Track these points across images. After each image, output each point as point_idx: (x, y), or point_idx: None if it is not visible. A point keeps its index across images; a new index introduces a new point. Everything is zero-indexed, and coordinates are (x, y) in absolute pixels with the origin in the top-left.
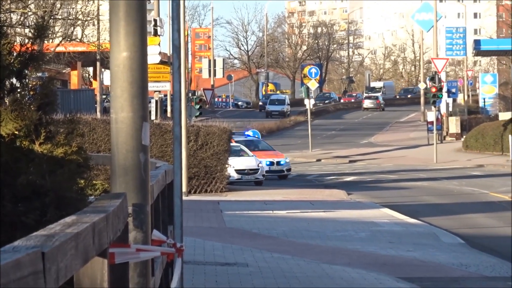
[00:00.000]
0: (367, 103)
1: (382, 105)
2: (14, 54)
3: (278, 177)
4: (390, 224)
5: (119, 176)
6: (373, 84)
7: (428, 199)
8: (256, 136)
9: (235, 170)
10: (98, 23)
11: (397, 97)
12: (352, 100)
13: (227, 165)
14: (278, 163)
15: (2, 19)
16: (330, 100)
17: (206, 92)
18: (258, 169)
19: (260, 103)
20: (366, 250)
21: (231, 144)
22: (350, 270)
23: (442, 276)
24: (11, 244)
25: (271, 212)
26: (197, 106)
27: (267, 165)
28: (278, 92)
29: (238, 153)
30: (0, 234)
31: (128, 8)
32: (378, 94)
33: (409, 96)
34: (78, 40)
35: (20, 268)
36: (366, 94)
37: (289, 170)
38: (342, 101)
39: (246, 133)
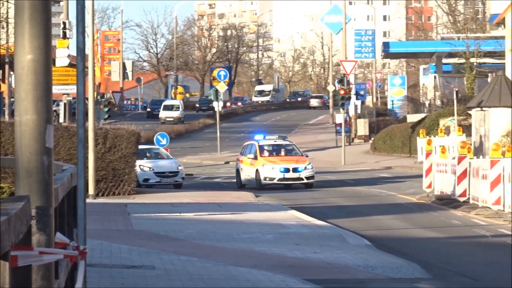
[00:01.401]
0: (313, 102)
1: (327, 104)
2: None
3: (305, 185)
4: (297, 226)
5: (22, 179)
6: (262, 87)
7: (335, 201)
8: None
9: (155, 173)
10: (7, 26)
11: (287, 100)
12: (239, 104)
13: (139, 167)
14: (295, 169)
15: None
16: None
17: (115, 95)
18: (178, 171)
19: (148, 109)
20: (273, 252)
21: (150, 146)
22: (256, 272)
23: (348, 278)
24: None
25: (179, 214)
26: (106, 109)
27: (281, 172)
28: (187, 95)
29: (157, 155)
30: None
31: (33, 11)
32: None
33: (299, 99)
34: None
35: None
36: (255, 97)
37: (310, 177)
38: (227, 105)
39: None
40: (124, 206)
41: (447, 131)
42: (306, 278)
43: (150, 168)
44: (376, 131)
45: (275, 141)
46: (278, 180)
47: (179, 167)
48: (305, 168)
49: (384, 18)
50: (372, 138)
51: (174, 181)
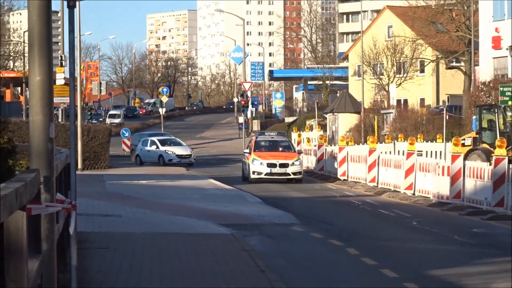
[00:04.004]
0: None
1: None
2: None
3: (287, 180)
4: (214, 190)
5: (34, 158)
6: (151, 100)
7: (238, 173)
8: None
9: (176, 155)
10: (24, 58)
11: (187, 108)
12: (144, 111)
13: (165, 151)
14: (282, 165)
15: None
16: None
17: (94, 104)
18: (191, 154)
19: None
20: (198, 206)
21: (169, 137)
22: (188, 219)
23: (248, 223)
24: None
25: (137, 181)
26: (89, 113)
27: (268, 167)
28: (142, 103)
29: (174, 143)
30: None
31: (40, 48)
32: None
33: (194, 108)
34: (11, 69)
35: None
36: (149, 107)
37: (297, 173)
38: (140, 112)
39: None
40: (101, 176)
41: (311, 128)
42: (220, 223)
43: (172, 152)
44: (265, 128)
45: (272, 137)
46: (265, 175)
47: (191, 151)
48: (293, 163)
49: (270, 54)
50: None
51: (189, 161)
